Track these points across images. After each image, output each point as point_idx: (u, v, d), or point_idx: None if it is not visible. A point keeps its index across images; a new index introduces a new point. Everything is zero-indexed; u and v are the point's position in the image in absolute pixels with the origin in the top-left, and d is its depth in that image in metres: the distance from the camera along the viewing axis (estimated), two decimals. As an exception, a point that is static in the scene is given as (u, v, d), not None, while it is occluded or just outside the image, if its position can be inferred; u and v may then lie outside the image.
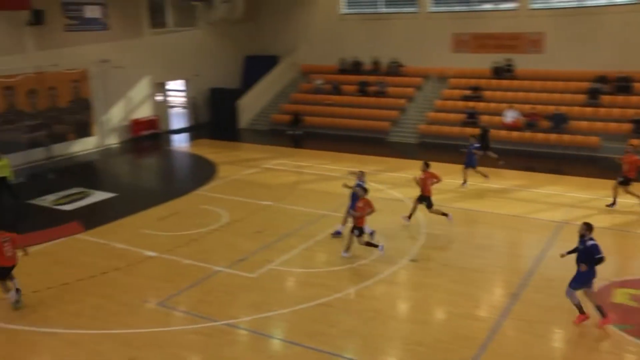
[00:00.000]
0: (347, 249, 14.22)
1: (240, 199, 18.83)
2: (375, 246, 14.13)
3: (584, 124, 26.26)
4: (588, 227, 11.00)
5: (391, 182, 20.87)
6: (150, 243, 15.10)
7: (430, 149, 27.43)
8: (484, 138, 22.19)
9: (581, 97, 27.43)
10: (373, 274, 13.19)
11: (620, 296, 12.23)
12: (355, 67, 33.27)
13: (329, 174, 22.08)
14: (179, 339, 10.59)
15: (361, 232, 14.08)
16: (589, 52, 28.17)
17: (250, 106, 33.16)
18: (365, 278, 13.03)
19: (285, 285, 12.97)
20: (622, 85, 26.99)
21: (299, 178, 21.62)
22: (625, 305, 11.92)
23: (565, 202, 18.56)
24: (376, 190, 19.78)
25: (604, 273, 13.18)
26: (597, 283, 12.48)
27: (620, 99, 26.75)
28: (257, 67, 35.08)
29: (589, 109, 26.79)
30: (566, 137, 25.93)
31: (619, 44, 27.49)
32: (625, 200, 18.66)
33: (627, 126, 25.39)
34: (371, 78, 32.14)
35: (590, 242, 10.82)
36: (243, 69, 36.32)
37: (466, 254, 14.45)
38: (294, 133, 30.28)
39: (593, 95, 27.04)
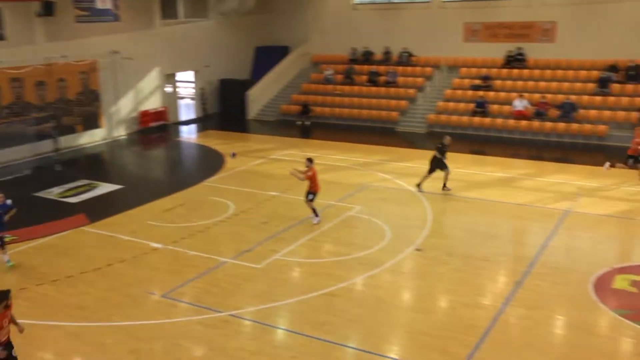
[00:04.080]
0: (315, 214, 15.74)
1: (247, 190, 18.96)
2: (316, 215, 15.72)
3: (592, 112, 26.14)
4: None
5: (398, 172, 20.90)
6: (156, 235, 15.27)
7: (439, 138, 27.36)
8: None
9: (591, 86, 27.28)
10: (378, 264, 13.28)
11: (620, 282, 12.28)
12: (366, 57, 33.23)
13: (336, 164, 22.15)
14: (184, 330, 10.72)
15: (313, 196, 15.69)
16: (600, 41, 27.96)
17: (260, 97, 33.26)
18: (370, 267, 13.12)
19: (290, 276, 13.09)
20: (633, 74, 26.77)
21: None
22: (625, 290, 11.98)
23: (572, 191, 18.53)
24: (383, 180, 19.94)
25: (606, 260, 13.30)
26: (600, 269, 12.59)
27: (630, 87, 26.56)
28: (267, 57, 35.16)
29: (598, 98, 26.65)
30: (574, 126, 25.83)
31: (631, 32, 27.26)
32: (629, 188, 18.63)
33: (635, 115, 25.23)
34: (382, 68, 32.11)
35: None
36: (253, 60, 36.40)
37: (471, 243, 14.50)
38: (303, 123, 30.36)
39: (603, 84, 26.86)
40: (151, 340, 10.34)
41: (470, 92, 29.14)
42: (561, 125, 26.06)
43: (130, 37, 28.00)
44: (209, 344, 10.24)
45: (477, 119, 27.77)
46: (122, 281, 12.70)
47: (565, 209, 16.81)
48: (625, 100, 26.18)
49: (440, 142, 18.60)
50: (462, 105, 28.69)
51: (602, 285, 12.13)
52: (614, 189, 18.76)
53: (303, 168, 16.13)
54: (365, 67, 32.54)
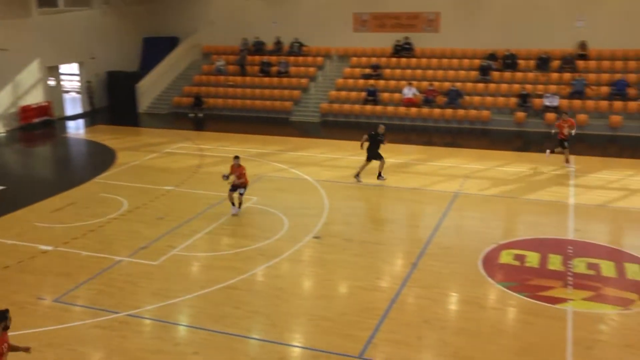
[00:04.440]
0: (237, 205, 15.68)
1: (141, 185, 18.38)
2: (233, 205, 15.70)
3: (476, 98, 27.56)
4: None
5: (294, 162, 21.02)
6: (45, 236, 14.47)
7: (332, 127, 27.86)
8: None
9: (474, 74, 28.69)
10: (277, 253, 13.32)
11: (505, 257, 13.07)
12: (257, 48, 33.04)
13: (231, 155, 21.84)
14: (79, 334, 10.23)
15: (244, 191, 15.68)
16: (479, 32, 29.46)
17: (150, 89, 32.25)
18: (269, 258, 13.14)
19: (189, 271, 12.86)
20: (509, 62, 28.45)
21: (201, 161, 21.36)
22: (509, 264, 12.78)
23: (461, 173, 19.45)
24: (279, 170, 20.00)
25: (493, 237, 14.09)
26: (487, 246, 13.31)
27: (507, 75, 28.25)
28: (156, 48, 34.12)
29: (480, 85, 28.11)
30: (461, 112, 27.10)
31: (506, 23, 28.92)
32: (515, 169, 19.84)
33: (513, 100, 26.87)
34: (273, 58, 32.07)
35: None
36: (142, 51, 35.23)
37: (368, 228, 14.88)
38: (196, 116, 29.82)
39: (484, 72, 28.34)
40: (44, 349, 9.78)
41: (361, 81, 29.78)
42: (448, 112, 27.24)
43: (2, 27, 26.17)
44: (107, 347, 9.87)
45: (368, 107, 28.44)
46: (7, 289, 11.90)
47: (454, 191, 17.62)
48: (504, 86, 27.80)
49: (375, 132, 18.65)
50: (353, 94, 29.28)
51: (490, 261, 12.86)
52: (498, 170, 19.88)
53: (227, 169, 15.92)
54: (257, 58, 32.39)
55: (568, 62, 27.79)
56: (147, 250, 13.58)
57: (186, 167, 20.51)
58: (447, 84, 28.18)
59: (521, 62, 28.57)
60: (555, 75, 27.69)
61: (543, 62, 28.10)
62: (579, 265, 12.59)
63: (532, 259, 12.97)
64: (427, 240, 14.02)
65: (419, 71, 29.68)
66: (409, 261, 12.97)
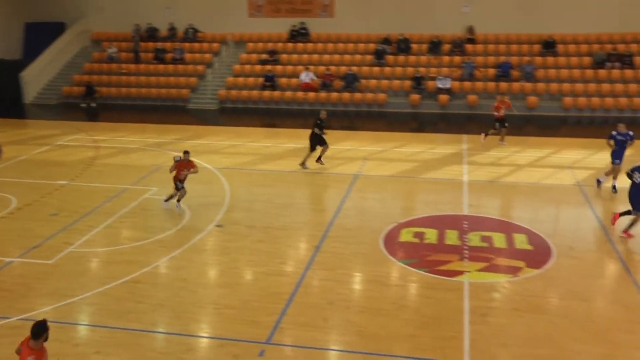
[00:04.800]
0: (174, 199, 15.13)
1: (31, 181, 17.42)
2: (169, 199, 15.20)
3: (372, 82, 28.19)
4: None
5: (193, 150, 20.39)
6: None
7: (231, 113, 27.61)
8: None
9: (369, 58, 29.30)
10: (180, 244, 13.08)
11: (405, 235, 13.52)
12: (150, 34, 32.02)
13: (128, 146, 21.25)
14: (-34, 341, 9.63)
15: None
16: (374, 16, 30.09)
17: (37, 78, 30.53)
18: (172, 249, 12.87)
19: (88, 267, 12.36)
20: (403, 46, 29.27)
21: (96, 153, 20.53)
22: (409, 242, 13.24)
23: (360, 156, 19.86)
24: (179, 160, 19.57)
25: (393, 216, 14.51)
26: (388, 226, 13.70)
27: (401, 58, 29.06)
28: (40, 35, 32.27)
29: (376, 69, 28.76)
30: (358, 96, 27.62)
31: (399, 8, 29.69)
32: (412, 150, 20.51)
33: (408, 83, 27.71)
34: (168, 45, 31.23)
35: None
36: (24, 38, 33.17)
37: (270, 214, 14.89)
38: (89, 105, 28.59)
39: (379, 56, 29.01)
40: None
41: (258, 67, 29.63)
42: (346, 95, 27.69)
43: None
44: (-2, 354, 9.32)
45: (267, 93, 28.38)
46: None
47: (354, 173, 17.99)
48: (398, 70, 28.59)
49: (318, 118, 18.52)
50: (251, 80, 29.09)
51: (391, 240, 13.27)
52: (395, 151, 20.48)
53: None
54: (151, 44, 31.42)
55: (458, 46, 28.97)
56: (41, 249, 12.92)
57: (80, 160, 19.64)
58: (343, 68, 28.60)
59: (414, 46, 29.47)
60: (446, 59, 28.79)
61: (435, 46, 29.12)
62: (474, 239, 13.25)
63: (431, 235, 13.50)
64: (329, 223, 14.24)
65: (315, 56, 29.91)
66: (312, 244, 13.13)
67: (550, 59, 27.99)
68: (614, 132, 16.60)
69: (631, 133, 16.57)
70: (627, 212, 13.54)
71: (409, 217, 14.66)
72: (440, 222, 14.27)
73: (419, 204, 16.18)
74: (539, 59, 28.01)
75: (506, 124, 21.12)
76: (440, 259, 12.33)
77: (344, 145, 21.39)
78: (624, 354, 9.22)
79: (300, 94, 28.05)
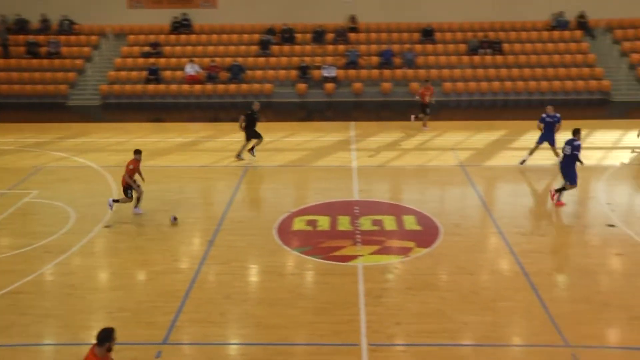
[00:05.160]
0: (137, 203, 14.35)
1: None
2: (115, 202, 14.31)
3: (258, 73, 28.10)
4: None
5: (76, 149, 19.68)
6: None
7: (115, 109, 26.59)
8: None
9: (254, 49, 29.16)
10: (66, 248, 12.45)
11: (298, 223, 13.66)
12: (20, 26, 30.02)
13: (2, 147, 19.90)
14: None
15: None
16: (257, 7, 29.93)
17: None
18: (57, 254, 12.23)
19: (-38, 280, 11.50)
20: (287, 36, 29.39)
21: (-34, 157, 19.09)
22: (302, 230, 13.40)
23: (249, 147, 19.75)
24: (60, 159, 18.66)
25: (285, 206, 14.60)
26: (281, 215, 13.76)
27: (286, 48, 29.18)
28: None
29: (261, 59, 28.69)
30: (244, 87, 27.46)
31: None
32: (301, 138, 20.69)
33: (294, 73, 27.89)
34: (41, 38, 29.44)
35: None
36: None
37: (161, 211, 14.50)
38: (-47, 106, 26.44)
39: (264, 46, 28.95)
40: None
41: (141, 60, 28.67)
42: (232, 87, 27.43)
43: None
44: None
45: (151, 87, 27.55)
46: None
47: (244, 165, 17.89)
48: (284, 60, 28.70)
49: (250, 109, 18.14)
50: (134, 74, 28.11)
51: (284, 229, 13.36)
52: (285, 141, 20.57)
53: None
54: (22, 37, 29.49)
55: (341, 35, 29.47)
56: None
57: (-54, 166, 18.18)
58: (229, 60, 28.29)
59: (298, 36, 29.67)
60: (330, 48, 29.21)
61: (318, 35, 29.45)
62: (365, 223, 13.61)
63: (323, 222, 13.72)
64: (221, 216, 14.11)
65: (199, 48, 29.37)
66: (206, 239, 12.96)
67: (429, 47, 29.14)
68: (543, 115, 17.62)
69: (558, 115, 17.56)
70: (563, 189, 14.59)
71: (301, 206, 14.81)
72: (332, 209, 14.54)
73: (311, 192, 16.37)
74: (418, 47, 29.08)
75: (428, 110, 21.93)
76: (334, 245, 12.57)
77: (233, 137, 21.15)
78: (506, 320, 9.88)
79: (186, 87, 27.46)
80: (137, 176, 14.24)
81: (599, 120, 23.33)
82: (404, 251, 12.29)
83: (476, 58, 28.51)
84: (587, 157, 18.25)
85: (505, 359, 8.94)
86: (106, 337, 6.86)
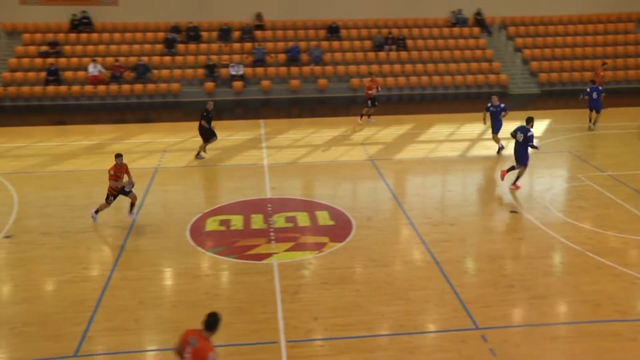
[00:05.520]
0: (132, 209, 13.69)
1: None
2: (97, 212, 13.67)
3: (165, 72, 27.47)
4: None
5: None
6: None
7: (11, 113, 25.23)
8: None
9: (159, 47, 28.48)
10: (-38, 262, 11.74)
11: (211, 224, 13.51)
12: None
13: None
14: None
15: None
16: (160, 4, 29.25)
17: None
18: (-48, 269, 11.51)
19: None
20: (193, 34, 28.90)
21: None
22: (216, 230, 13.27)
23: (158, 148, 19.33)
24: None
25: (198, 206, 14.41)
26: (193, 217, 13.56)
27: (192, 47, 28.70)
28: None
29: (167, 58, 28.08)
30: (151, 86, 26.77)
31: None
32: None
33: (201, 71, 27.49)
34: None
35: None
36: None
37: (68, 217, 13.93)
38: None
39: (169, 45, 28.33)
40: None
41: (39, 60, 27.31)
42: (138, 87, 26.67)
43: None
44: None
45: (51, 88, 26.31)
46: None
47: (154, 167, 17.48)
48: (190, 58, 28.22)
49: (205, 110, 17.80)
50: (32, 75, 26.76)
51: (197, 231, 13.18)
52: (194, 141, 20.22)
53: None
54: None
55: (247, 33, 29.31)
56: None
57: None
58: (133, 59, 27.49)
59: (204, 34, 29.27)
60: (237, 45, 29.00)
61: (224, 33, 29.16)
62: (279, 221, 13.65)
63: (237, 221, 13.64)
64: (132, 220, 13.71)
65: (102, 47, 28.34)
66: (116, 244, 12.58)
67: (335, 43, 29.52)
68: (488, 104, 18.44)
69: (503, 105, 18.35)
70: (512, 168, 15.42)
71: (214, 206, 14.66)
72: (245, 208, 14.48)
73: (223, 192, 16.24)
74: (325, 44, 29.39)
75: (376, 103, 22.43)
76: (248, 243, 12.53)
77: (141, 138, 20.67)
78: (420, 308, 10.21)
79: (88, 88, 26.41)
80: (126, 179, 13.42)
81: (498, 112, 24.43)
82: (318, 246, 12.42)
83: (382, 54, 29.17)
84: (489, 147, 19.22)
85: (420, 346, 9.24)
86: (215, 322, 6.90)
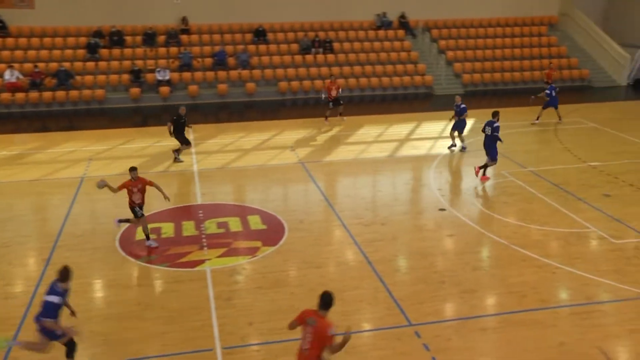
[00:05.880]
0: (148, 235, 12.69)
1: None
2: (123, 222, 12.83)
3: (88, 78, 26.67)
4: None
5: None
6: None
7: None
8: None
9: (81, 52, 27.62)
10: None
11: (141, 233, 13.14)
12: None
13: None
14: None
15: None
16: (81, 8, 28.34)
17: None
18: None
19: None
20: (116, 38, 28.19)
21: None
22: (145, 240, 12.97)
23: (84, 157, 18.76)
24: None
25: (126, 215, 13.95)
26: (121, 226, 13.19)
27: (116, 52, 27.99)
28: None
29: (90, 64, 27.28)
30: (74, 93, 25.94)
31: (108, 0, 28.42)
32: (138, 145, 20.01)
33: (126, 77, 26.85)
34: None
35: None
36: None
37: (-13, 232, 13.32)
38: None
39: (92, 50, 27.53)
40: None
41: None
42: (61, 94, 25.78)
43: None
44: None
45: (-36, 97, 25.07)
46: None
47: (81, 176, 16.96)
48: (115, 63, 27.50)
49: (177, 115, 17.58)
50: None
51: (127, 240, 12.87)
52: (122, 148, 19.78)
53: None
54: None
55: (173, 37, 28.86)
56: None
57: None
58: (54, 65, 26.55)
59: (128, 39, 28.60)
60: (162, 50, 28.50)
61: (149, 38, 28.60)
62: (211, 227, 13.51)
63: (168, 229, 13.41)
64: (58, 232, 13.26)
65: (19, 52, 27.24)
66: (42, 258, 12.13)
67: (262, 47, 29.47)
68: (454, 105, 19.34)
69: (463, 105, 19.12)
70: (485, 166, 16.26)
71: (145, 214, 14.31)
72: (176, 215, 14.26)
73: (152, 199, 15.82)
74: (252, 47, 29.31)
75: (341, 102, 22.94)
76: (180, 251, 12.35)
77: (65, 147, 19.99)
78: (354, 308, 10.34)
79: (6, 96, 25.29)
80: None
81: (425, 113, 25.09)
82: (251, 251, 12.38)
83: (309, 57, 29.35)
84: (417, 147, 19.71)
85: (356, 346, 9.35)
86: (330, 300, 7.40)
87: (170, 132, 18.07)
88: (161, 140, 20.62)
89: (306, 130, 22.08)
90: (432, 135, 21.52)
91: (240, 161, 18.58)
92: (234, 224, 13.67)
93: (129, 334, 9.55)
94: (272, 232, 13.31)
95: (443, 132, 21.87)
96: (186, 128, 18.32)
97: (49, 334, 8.28)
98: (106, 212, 14.66)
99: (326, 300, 7.41)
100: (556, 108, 22.61)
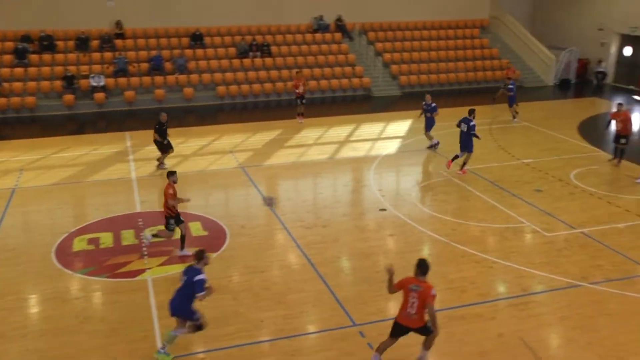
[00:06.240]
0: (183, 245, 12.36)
1: None
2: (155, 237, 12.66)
3: (17, 84, 25.70)
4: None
5: None
6: None
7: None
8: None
9: (8, 58, 26.61)
10: None
11: (78, 243, 12.87)
12: None
13: None
14: None
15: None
16: (5, 12, 27.27)
17: None
18: None
19: None
20: (46, 43, 27.31)
21: None
22: (85, 250, 12.67)
23: (15, 167, 18.09)
24: None
25: (63, 226, 13.66)
26: (59, 238, 12.83)
27: (47, 57, 27.09)
28: None
29: (19, 70, 26.27)
30: (2, 101, 24.97)
31: (34, 2, 27.47)
32: (73, 153, 19.43)
33: (59, 83, 26.03)
34: None
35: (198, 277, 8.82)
36: None
37: None
38: None
39: (21, 56, 26.56)
40: None
41: None
42: (-12, 102, 24.78)
43: None
44: None
45: None
46: None
47: (11, 187, 16.34)
48: (46, 69, 26.59)
49: (158, 122, 17.15)
50: None
51: (64, 252, 12.48)
52: (56, 157, 19.17)
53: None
54: None
55: (107, 42, 28.17)
56: None
57: None
58: (-22, 72, 25.49)
59: (60, 44, 27.73)
60: (96, 55, 27.77)
61: (82, 42, 27.83)
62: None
63: (106, 239, 13.09)
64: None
65: (-59, 59, 26.05)
66: (-28, 274, 11.61)
67: (199, 51, 29.13)
68: (423, 103, 19.60)
69: (434, 104, 19.42)
70: (456, 157, 16.91)
71: (81, 224, 13.95)
72: (115, 224, 13.93)
73: (90, 209, 15.49)
74: (189, 52, 28.93)
75: (304, 101, 23.17)
76: (120, 261, 12.08)
77: (-6, 157, 19.23)
78: (298, 311, 10.37)
79: None
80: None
81: (364, 115, 25.36)
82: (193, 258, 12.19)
83: (246, 61, 29.20)
84: (357, 149, 19.92)
85: (302, 348, 9.38)
86: (426, 266, 8.43)
87: (155, 140, 17.73)
88: (98, 147, 20.12)
89: (245, 134, 21.97)
90: (371, 136, 21.78)
91: (180, 167, 18.25)
92: (176, 231, 13.44)
93: (66, 349, 9.26)
94: (214, 238, 13.18)
95: (382, 134, 22.19)
96: (167, 133, 17.89)
97: (192, 315, 8.98)
98: (40, 223, 14.21)
99: (422, 267, 8.42)
100: (516, 104, 23.79)
